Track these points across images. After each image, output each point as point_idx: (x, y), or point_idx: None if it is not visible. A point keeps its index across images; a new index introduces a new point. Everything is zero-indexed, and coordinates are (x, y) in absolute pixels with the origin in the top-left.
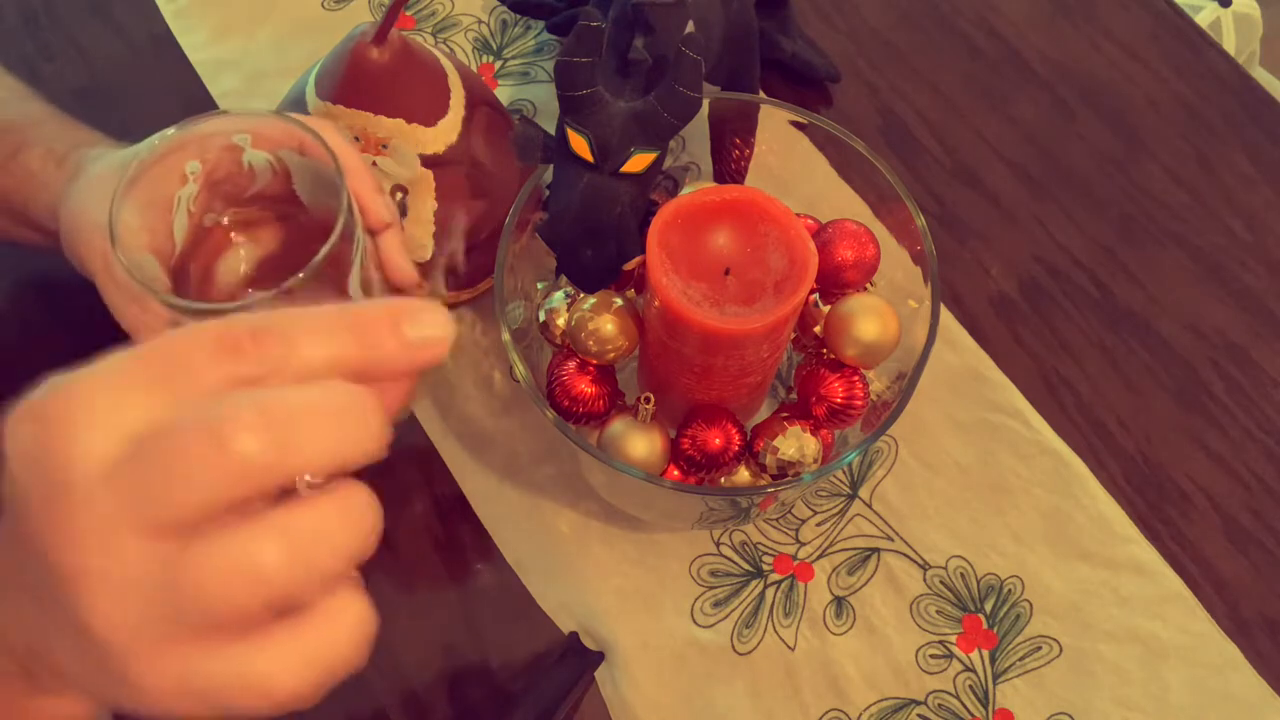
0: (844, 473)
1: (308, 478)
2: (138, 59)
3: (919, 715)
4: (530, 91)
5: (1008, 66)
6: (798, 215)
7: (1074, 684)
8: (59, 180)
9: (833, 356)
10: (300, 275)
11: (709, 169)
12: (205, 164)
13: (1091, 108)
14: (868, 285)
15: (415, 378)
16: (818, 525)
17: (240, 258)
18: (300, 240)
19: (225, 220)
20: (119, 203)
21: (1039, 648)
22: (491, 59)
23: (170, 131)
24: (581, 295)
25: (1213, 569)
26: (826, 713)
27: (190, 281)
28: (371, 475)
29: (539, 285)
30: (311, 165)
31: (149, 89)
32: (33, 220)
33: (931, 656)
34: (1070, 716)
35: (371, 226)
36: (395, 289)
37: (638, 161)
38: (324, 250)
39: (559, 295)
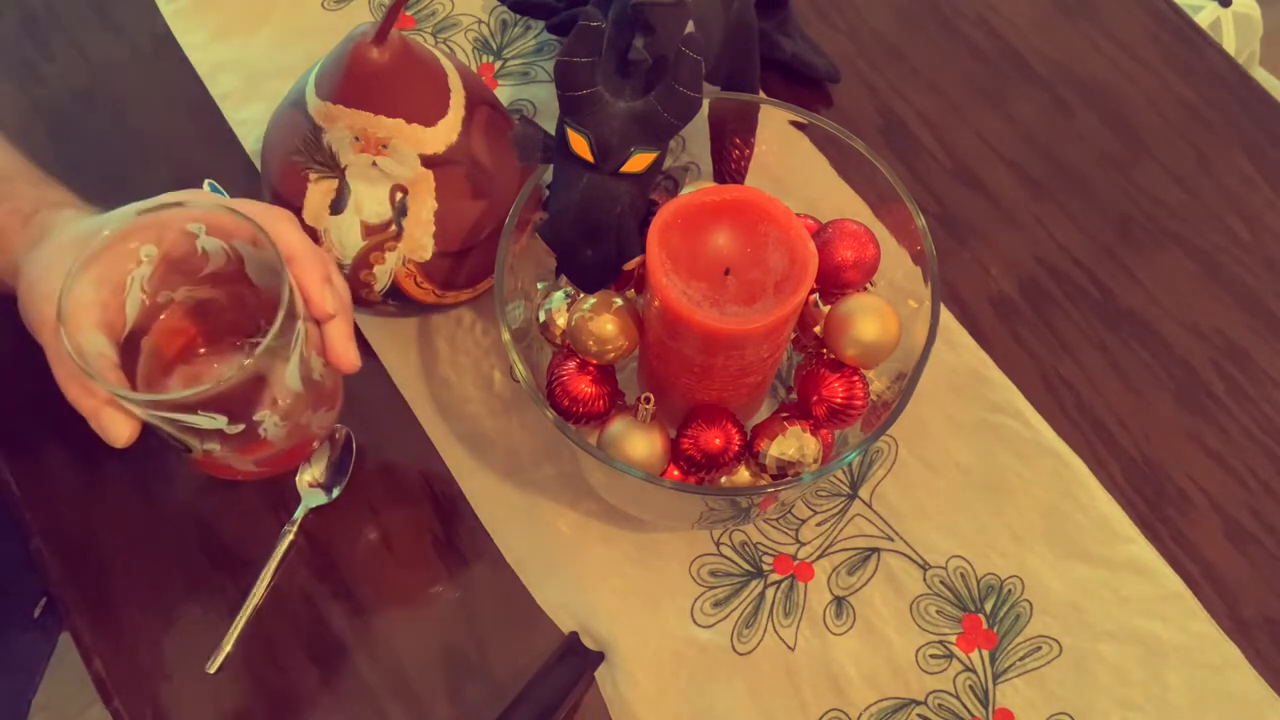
0: (844, 473)
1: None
2: (138, 59)
3: (919, 715)
4: (530, 91)
5: (1008, 66)
6: (798, 215)
7: (1074, 684)
8: (22, 241)
9: (833, 356)
10: (229, 376)
11: (709, 169)
12: (161, 245)
13: (1091, 108)
14: (868, 285)
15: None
16: (818, 525)
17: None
18: (251, 317)
19: (178, 297)
20: (72, 280)
21: (1039, 648)
22: (491, 59)
23: (131, 214)
24: (581, 295)
25: (1213, 569)
26: (826, 713)
27: (140, 354)
28: (372, 473)
29: (539, 285)
30: (261, 255)
31: (149, 89)
32: None
33: (931, 656)
34: (1070, 716)
35: (316, 317)
36: (336, 373)
37: (638, 161)
38: (258, 351)
39: (559, 295)
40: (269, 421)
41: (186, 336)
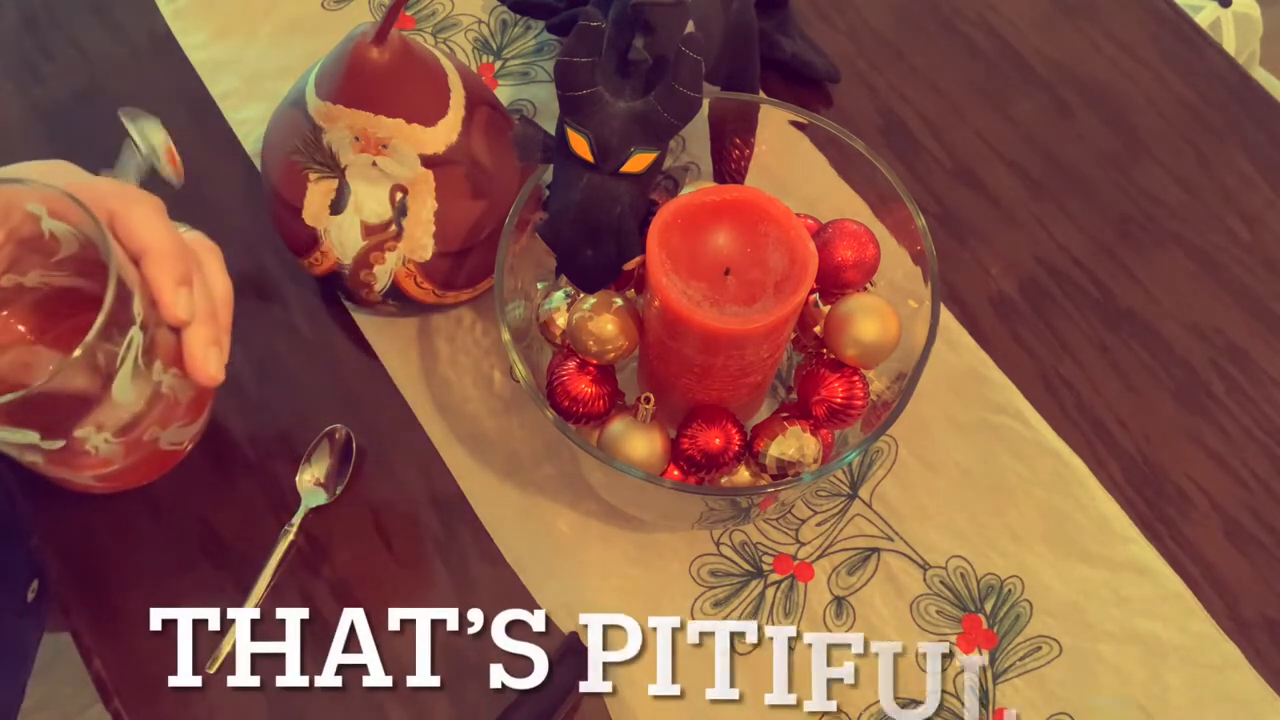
0: (844, 473)
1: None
2: (138, 59)
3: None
4: (530, 91)
5: (1008, 66)
6: (798, 215)
7: (1074, 684)
8: None
9: (833, 356)
10: (23, 391)
11: (709, 169)
12: (4, 225)
13: (1091, 108)
14: (868, 285)
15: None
16: (818, 525)
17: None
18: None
19: (29, 282)
20: None
21: (1039, 648)
22: (491, 59)
23: None
24: (581, 295)
25: (1213, 569)
26: (826, 713)
27: None
28: (372, 473)
29: (539, 285)
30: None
31: (149, 89)
32: None
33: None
34: (1070, 716)
35: (167, 322)
36: (196, 386)
37: (638, 161)
38: (69, 360)
39: (559, 295)
40: (96, 439)
41: (44, 325)
